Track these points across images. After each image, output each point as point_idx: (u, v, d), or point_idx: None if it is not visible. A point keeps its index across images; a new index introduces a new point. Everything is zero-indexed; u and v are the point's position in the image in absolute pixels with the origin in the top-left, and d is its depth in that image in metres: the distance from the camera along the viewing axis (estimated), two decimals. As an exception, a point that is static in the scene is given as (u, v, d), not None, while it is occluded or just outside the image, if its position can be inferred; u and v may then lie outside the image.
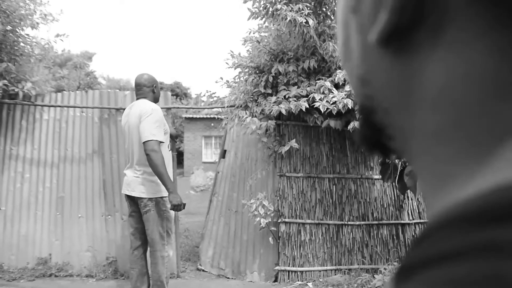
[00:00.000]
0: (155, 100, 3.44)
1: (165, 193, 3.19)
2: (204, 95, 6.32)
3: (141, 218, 3.31)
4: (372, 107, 0.28)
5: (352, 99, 4.06)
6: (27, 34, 5.15)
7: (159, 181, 3.12)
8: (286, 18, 3.92)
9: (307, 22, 3.98)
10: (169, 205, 3.21)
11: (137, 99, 3.39)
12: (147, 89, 3.37)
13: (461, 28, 0.21)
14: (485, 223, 0.17)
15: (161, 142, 3.15)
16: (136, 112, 3.23)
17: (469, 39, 0.21)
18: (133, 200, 3.33)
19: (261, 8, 4.31)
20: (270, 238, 4.45)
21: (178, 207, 3.15)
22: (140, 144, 3.13)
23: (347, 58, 0.29)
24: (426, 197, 0.26)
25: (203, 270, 5.01)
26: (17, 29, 4.91)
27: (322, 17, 4.35)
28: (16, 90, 4.81)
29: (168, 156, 3.36)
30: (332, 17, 4.41)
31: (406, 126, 0.25)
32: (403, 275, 0.20)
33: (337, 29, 0.31)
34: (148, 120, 3.11)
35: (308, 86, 4.34)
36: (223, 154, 5.19)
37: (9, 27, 4.79)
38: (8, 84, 4.77)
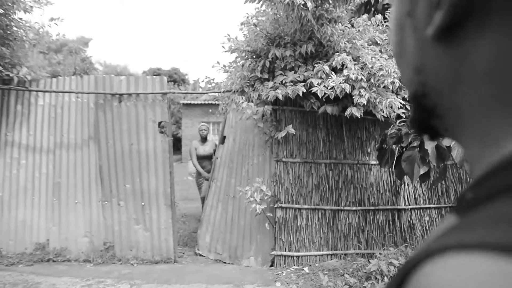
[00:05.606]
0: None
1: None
2: (202, 81, 6.27)
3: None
4: (425, 92, 0.34)
5: (349, 84, 4.03)
6: (20, 18, 5.06)
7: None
8: (284, 0, 3.84)
9: (305, 4, 3.91)
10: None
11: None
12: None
13: (500, 18, 0.26)
14: None
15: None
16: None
17: (508, 26, 0.26)
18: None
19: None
20: (266, 224, 4.47)
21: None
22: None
23: (402, 54, 0.36)
24: (473, 158, 0.31)
25: (200, 255, 5.05)
26: (9, 13, 4.82)
27: (320, 1, 4.28)
28: (11, 75, 4.75)
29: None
30: (330, 1, 4.34)
31: (457, 102, 0.31)
32: (469, 206, 0.25)
33: (391, 31, 0.38)
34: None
35: (305, 71, 4.30)
36: (222, 140, 5.17)
37: (1, 11, 4.70)
38: (2, 70, 4.71)
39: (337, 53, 4.19)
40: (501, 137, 0.28)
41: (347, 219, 4.70)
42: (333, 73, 4.10)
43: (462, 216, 0.26)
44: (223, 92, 4.98)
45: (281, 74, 4.36)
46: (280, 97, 4.18)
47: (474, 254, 0.21)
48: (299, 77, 4.25)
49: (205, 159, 6.00)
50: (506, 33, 0.27)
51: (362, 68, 4.22)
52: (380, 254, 4.19)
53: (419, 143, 3.70)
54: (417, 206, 4.88)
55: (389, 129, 3.96)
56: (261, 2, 4.37)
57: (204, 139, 6.08)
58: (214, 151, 5.92)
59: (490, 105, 0.28)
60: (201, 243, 5.10)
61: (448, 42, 0.30)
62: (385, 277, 3.73)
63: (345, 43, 4.35)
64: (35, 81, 4.97)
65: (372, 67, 4.15)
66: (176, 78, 27.80)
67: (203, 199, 6.13)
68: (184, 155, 18.28)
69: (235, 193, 4.77)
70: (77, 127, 4.90)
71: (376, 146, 4.64)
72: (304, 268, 4.42)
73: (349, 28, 4.48)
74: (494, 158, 0.28)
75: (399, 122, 4.06)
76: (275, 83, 4.31)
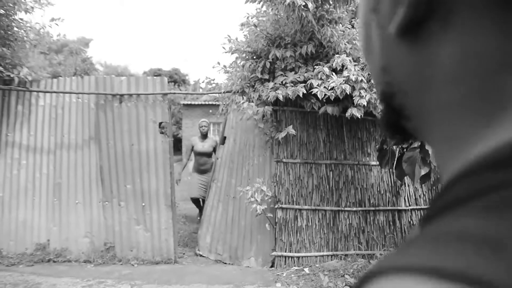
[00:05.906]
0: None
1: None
2: (202, 82, 6.28)
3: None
4: (392, 93, 0.33)
5: (350, 85, 4.03)
6: (21, 19, 5.07)
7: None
8: (285, 1, 3.85)
9: (306, 5, 3.91)
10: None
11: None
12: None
13: (465, 17, 0.25)
14: (504, 167, 0.22)
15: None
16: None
17: (473, 24, 0.25)
18: None
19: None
20: (267, 224, 4.47)
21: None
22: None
23: (369, 52, 0.34)
24: (442, 162, 0.30)
25: (201, 255, 5.05)
26: (10, 13, 4.83)
27: (320, 2, 4.28)
28: (12, 75, 4.75)
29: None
30: (331, 2, 4.34)
31: (424, 103, 0.30)
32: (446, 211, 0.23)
33: (359, 28, 0.36)
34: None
35: (306, 72, 4.30)
36: (222, 141, 5.18)
37: (2, 11, 4.71)
38: (3, 70, 4.72)
39: (337, 55, 4.19)
40: (467, 141, 0.27)
41: (348, 219, 4.70)
42: (333, 73, 4.10)
43: (420, 230, 0.24)
44: (224, 92, 4.99)
45: (281, 74, 4.37)
46: (281, 97, 4.18)
47: (402, 278, 0.19)
48: (299, 77, 4.26)
49: (204, 156, 6.00)
50: (471, 31, 0.25)
51: (362, 69, 4.22)
52: (381, 254, 4.19)
53: (419, 143, 3.70)
54: (418, 207, 4.88)
55: (390, 129, 3.95)
56: (261, 3, 4.38)
57: (204, 136, 6.06)
58: (214, 148, 5.91)
59: (457, 106, 0.27)
60: (202, 243, 5.10)
61: (412, 40, 0.28)
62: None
63: (345, 44, 4.35)
64: (35, 81, 4.97)
65: (372, 68, 4.15)
66: (176, 79, 27.81)
67: (193, 200, 6.26)
68: (185, 156, 18.28)
69: (236, 193, 4.77)
70: (78, 127, 4.91)
71: (377, 146, 4.64)
72: (304, 268, 4.42)
73: (349, 29, 4.49)
74: (459, 165, 0.26)
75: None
76: (275, 83, 4.31)
